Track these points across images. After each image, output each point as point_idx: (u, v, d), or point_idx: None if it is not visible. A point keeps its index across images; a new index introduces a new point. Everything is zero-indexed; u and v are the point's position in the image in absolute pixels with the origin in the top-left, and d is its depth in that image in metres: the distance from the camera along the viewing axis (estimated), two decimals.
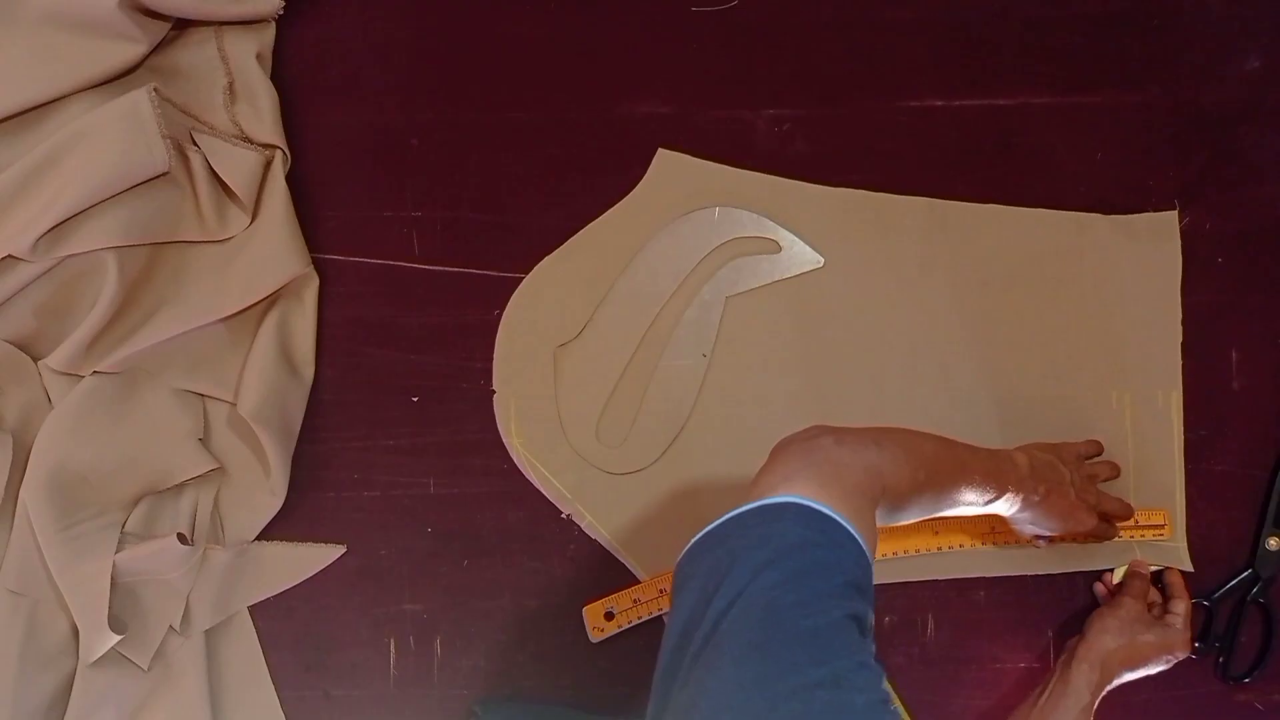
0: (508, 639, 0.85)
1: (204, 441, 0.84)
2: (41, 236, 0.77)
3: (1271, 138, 0.86)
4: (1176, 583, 0.84)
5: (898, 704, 0.50)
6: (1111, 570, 0.85)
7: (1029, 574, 0.85)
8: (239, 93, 0.84)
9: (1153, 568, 0.84)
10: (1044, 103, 0.87)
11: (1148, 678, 0.84)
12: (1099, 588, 0.84)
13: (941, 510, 0.67)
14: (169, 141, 0.78)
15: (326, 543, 0.85)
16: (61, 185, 0.77)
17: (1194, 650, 0.84)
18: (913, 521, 0.66)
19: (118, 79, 0.81)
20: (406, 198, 0.86)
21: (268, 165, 0.83)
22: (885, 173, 0.86)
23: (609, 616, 0.84)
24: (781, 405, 0.85)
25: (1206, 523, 0.85)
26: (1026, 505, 0.73)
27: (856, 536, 0.54)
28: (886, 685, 0.49)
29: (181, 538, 0.79)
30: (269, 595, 0.85)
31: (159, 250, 0.82)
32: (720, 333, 0.85)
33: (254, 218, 0.83)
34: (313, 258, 0.84)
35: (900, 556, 0.84)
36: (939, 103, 0.87)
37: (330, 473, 0.85)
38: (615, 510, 0.85)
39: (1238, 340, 0.86)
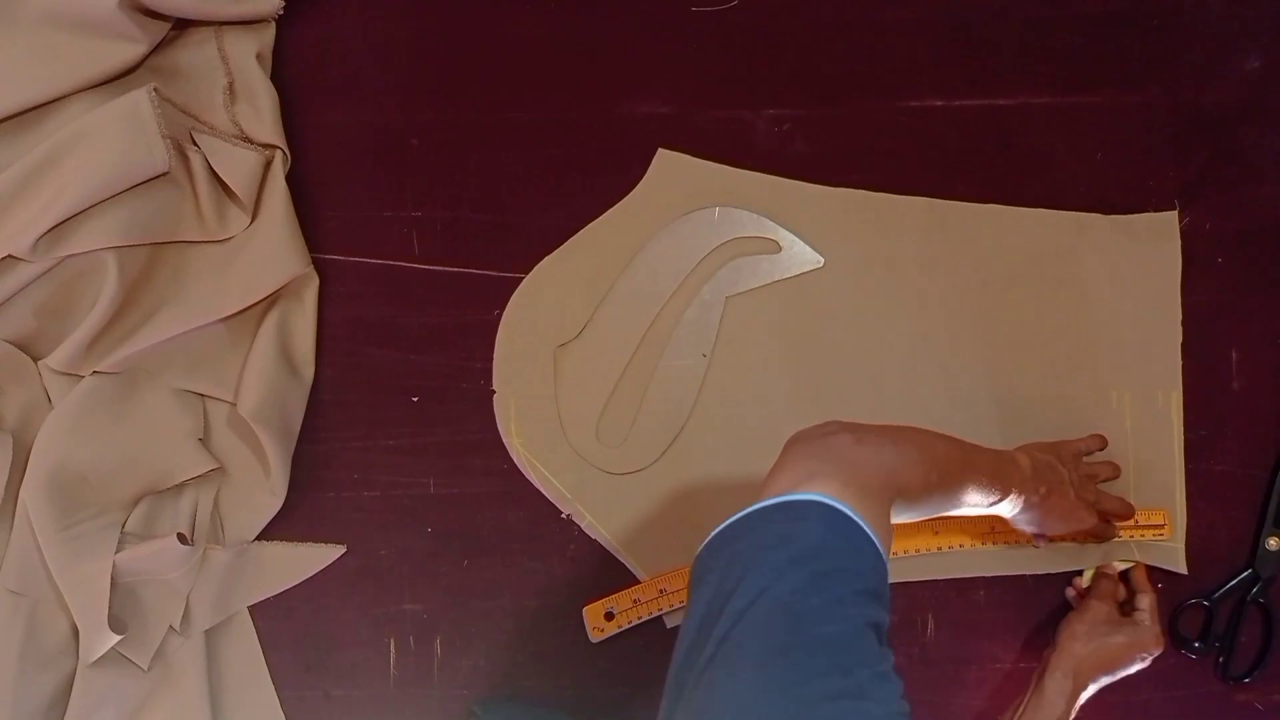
0: (508, 639, 0.85)
1: (204, 441, 0.84)
2: (41, 236, 0.77)
3: (1271, 138, 0.86)
4: (1140, 578, 0.83)
5: None
6: (1081, 573, 0.84)
7: (1029, 574, 0.85)
8: (239, 93, 0.84)
9: (1120, 567, 0.84)
10: (1044, 103, 0.87)
11: (1147, 678, 0.84)
12: (1070, 591, 0.84)
13: (947, 510, 0.67)
14: (169, 141, 0.78)
15: (326, 543, 0.85)
16: (61, 185, 0.77)
17: (1194, 650, 0.85)
18: (914, 521, 0.66)
19: (118, 79, 0.81)
20: (406, 198, 0.86)
21: (268, 165, 0.83)
22: (885, 173, 0.86)
23: (609, 617, 0.84)
24: (781, 405, 0.85)
25: (1206, 523, 0.85)
26: (1028, 506, 0.73)
27: (875, 541, 0.54)
28: (905, 701, 0.49)
29: (181, 538, 0.79)
30: (269, 595, 0.85)
31: (159, 250, 0.82)
32: (720, 333, 0.85)
33: (254, 218, 0.83)
34: (313, 258, 0.84)
35: (900, 556, 0.84)
36: (939, 103, 0.87)
37: (330, 473, 0.85)
38: (615, 510, 0.85)
39: (1238, 340, 0.86)
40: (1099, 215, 0.86)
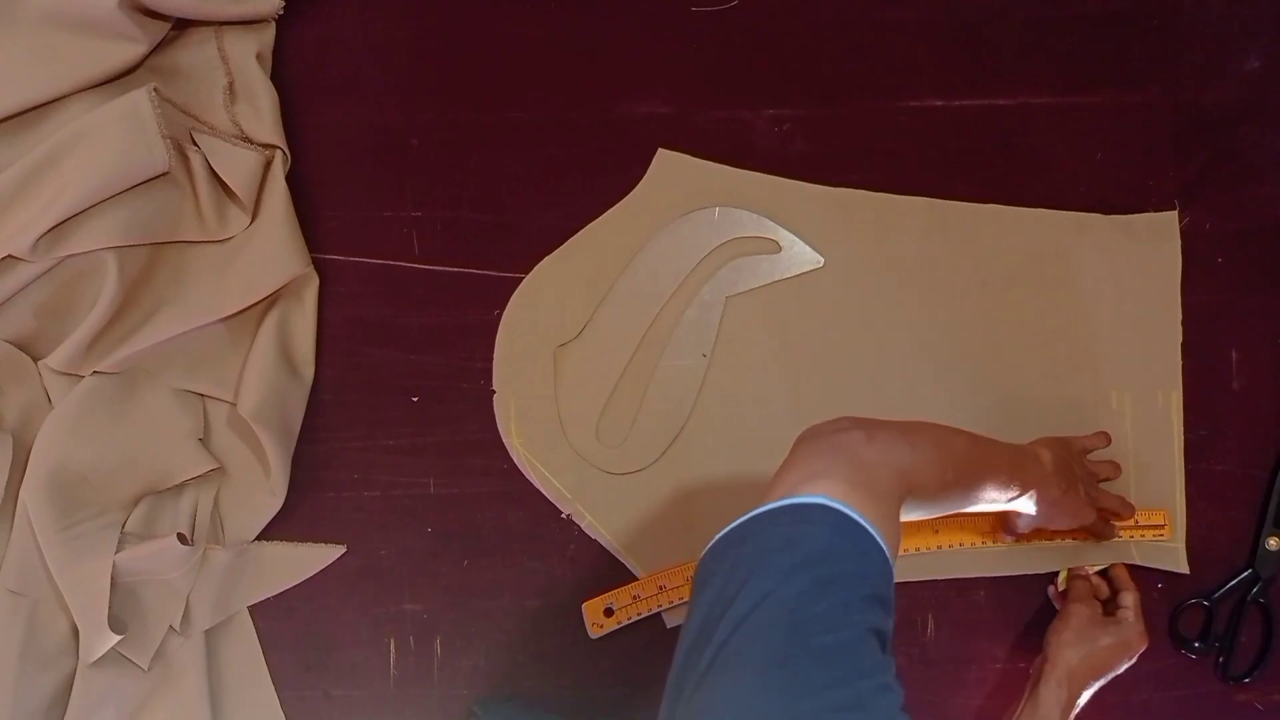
0: (508, 639, 0.85)
1: (204, 441, 0.84)
2: (41, 236, 0.77)
3: (1271, 138, 0.86)
4: (1121, 575, 0.83)
5: None
6: (1057, 574, 0.84)
7: (1029, 574, 0.85)
8: (239, 93, 0.84)
9: (1095, 568, 0.84)
10: (1044, 103, 0.87)
11: (1147, 678, 0.84)
12: (1051, 590, 0.84)
13: (964, 507, 0.66)
14: (169, 141, 0.78)
15: (326, 543, 0.85)
16: (61, 185, 0.77)
17: (1194, 650, 0.84)
18: (926, 518, 0.65)
19: (118, 79, 0.81)
20: (406, 198, 0.86)
21: (268, 165, 0.83)
22: (885, 173, 0.86)
23: (608, 613, 0.84)
24: (781, 405, 0.85)
25: (1206, 523, 0.85)
26: (1043, 502, 0.73)
27: (883, 546, 0.53)
28: (905, 713, 0.48)
29: (181, 538, 0.79)
30: (269, 595, 0.85)
31: (159, 250, 0.82)
32: (720, 333, 0.85)
33: (254, 218, 0.83)
34: (313, 258, 0.84)
35: (900, 556, 0.83)
36: (939, 103, 0.87)
37: (330, 473, 0.85)
38: (615, 510, 0.85)
39: (1238, 340, 0.86)
40: (1099, 215, 0.86)
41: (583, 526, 0.85)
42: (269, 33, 0.85)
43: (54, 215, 0.76)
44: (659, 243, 0.86)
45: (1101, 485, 0.83)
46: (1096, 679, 0.78)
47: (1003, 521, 0.81)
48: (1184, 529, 0.85)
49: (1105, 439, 0.83)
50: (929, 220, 0.86)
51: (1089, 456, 0.82)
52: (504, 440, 0.85)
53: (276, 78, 0.85)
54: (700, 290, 0.86)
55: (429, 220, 0.86)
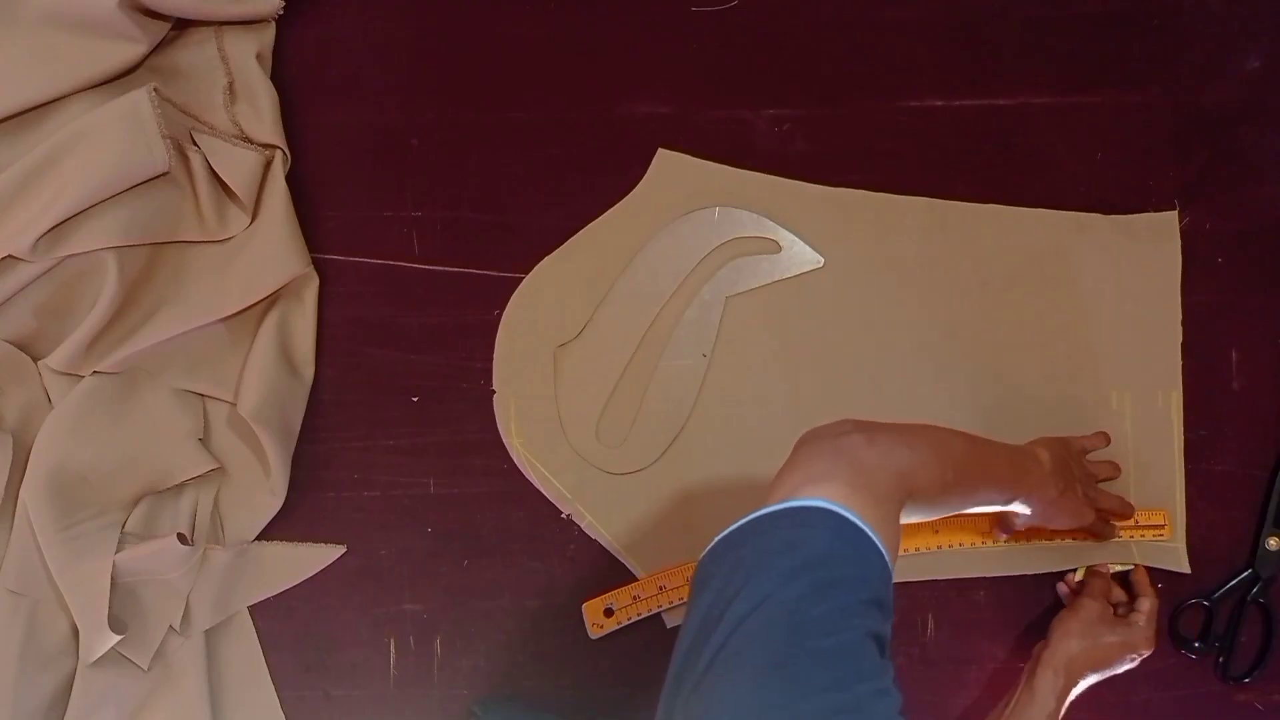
0: (508, 639, 0.85)
1: (204, 441, 0.84)
2: (41, 236, 0.77)
3: (1271, 138, 0.86)
4: (1142, 580, 0.83)
5: None
6: (1074, 570, 0.84)
7: (1029, 574, 0.85)
8: (239, 93, 0.84)
9: (1116, 568, 0.84)
10: (1044, 103, 0.87)
11: (1147, 678, 0.84)
12: (1061, 587, 0.84)
13: (964, 509, 0.66)
14: (169, 141, 0.78)
15: (326, 543, 0.85)
16: (61, 185, 0.77)
17: (1194, 650, 0.84)
18: (925, 520, 0.65)
19: (118, 79, 0.81)
20: (406, 198, 0.86)
21: (268, 165, 0.83)
22: (885, 173, 0.86)
23: (608, 613, 0.84)
24: (781, 405, 0.85)
25: (1206, 523, 0.85)
26: (1041, 502, 0.73)
27: (882, 550, 0.53)
28: (903, 717, 0.48)
29: (181, 538, 0.79)
30: (269, 595, 0.85)
31: (159, 250, 0.82)
32: (720, 333, 0.85)
33: (254, 218, 0.83)
34: (313, 258, 0.84)
35: (900, 556, 0.84)
36: (939, 103, 0.87)
37: (330, 473, 0.85)
38: (615, 510, 0.85)
39: (1238, 340, 0.86)
40: (1099, 215, 0.86)
41: (583, 526, 0.85)
42: (269, 33, 0.85)
43: (54, 215, 0.76)
44: (659, 243, 0.86)
45: (1101, 485, 0.83)
46: (1095, 672, 0.78)
47: (999, 521, 0.81)
48: (1184, 529, 0.85)
49: (1104, 439, 0.83)
50: (929, 220, 0.86)
51: (1088, 457, 0.82)
52: (504, 440, 0.85)
53: (276, 78, 0.85)
54: (700, 290, 0.86)
55: (429, 220, 0.86)
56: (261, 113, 0.83)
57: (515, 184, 0.86)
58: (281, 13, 0.84)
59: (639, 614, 0.84)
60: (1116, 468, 0.84)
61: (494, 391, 0.85)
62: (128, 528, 0.81)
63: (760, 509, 0.54)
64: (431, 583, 0.85)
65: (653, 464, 0.85)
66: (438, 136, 0.86)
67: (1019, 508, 0.72)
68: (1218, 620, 0.85)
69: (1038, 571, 0.85)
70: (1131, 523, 0.83)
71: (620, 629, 0.84)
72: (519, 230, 0.86)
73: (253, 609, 0.85)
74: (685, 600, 0.83)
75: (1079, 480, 0.77)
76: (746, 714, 0.47)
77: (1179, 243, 0.86)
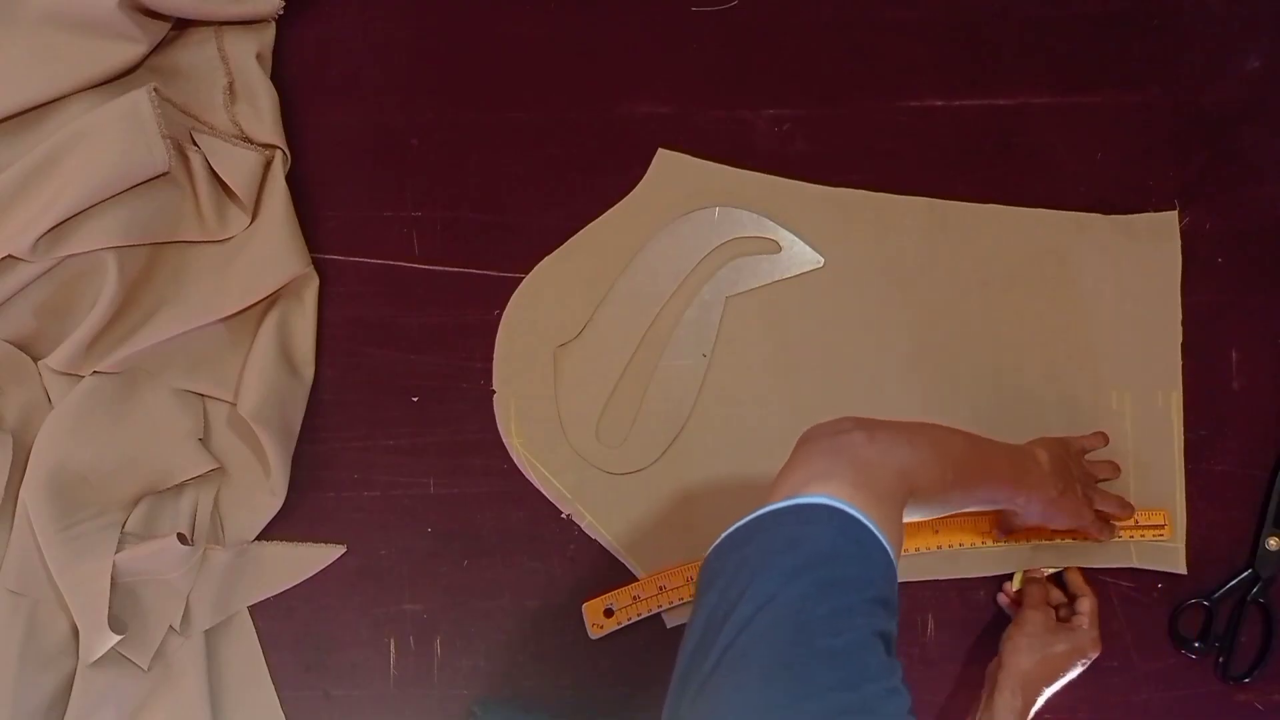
0: (508, 639, 0.85)
1: (204, 441, 0.84)
2: (41, 236, 0.77)
3: (1271, 138, 0.86)
4: (1076, 580, 0.83)
5: None
6: (1009, 578, 0.84)
7: None
8: (239, 93, 0.84)
9: (1049, 571, 0.84)
10: (1044, 103, 0.87)
11: (1147, 678, 0.84)
12: (1002, 598, 0.84)
13: (963, 508, 0.66)
14: (169, 141, 0.78)
15: (326, 543, 0.85)
16: (61, 185, 0.77)
17: (1194, 650, 0.84)
18: (925, 519, 0.65)
19: (118, 79, 0.81)
20: (406, 198, 0.86)
21: (268, 165, 0.83)
22: (885, 173, 0.86)
23: (608, 613, 0.84)
24: (781, 405, 0.85)
25: (1206, 523, 0.85)
26: (1040, 502, 0.73)
27: (887, 547, 0.53)
28: (912, 716, 0.48)
29: (181, 538, 0.79)
30: (269, 595, 0.85)
31: (159, 250, 0.82)
32: (720, 333, 0.85)
33: (254, 218, 0.83)
34: (313, 258, 0.84)
35: (900, 556, 0.84)
36: (939, 103, 0.87)
37: (330, 473, 0.85)
38: (615, 510, 0.85)
39: (1238, 340, 0.86)
40: (1099, 215, 0.86)
41: (583, 526, 0.85)
42: (269, 33, 0.85)
43: (54, 215, 0.76)
44: (659, 243, 0.86)
45: (1101, 485, 0.83)
46: (1050, 684, 0.77)
47: (999, 521, 0.81)
48: (1184, 529, 0.85)
49: (1103, 439, 0.83)
50: (929, 220, 0.86)
51: (1087, 457, 0.82)
52: (504, 440, 0.85)
53: (276, 78, 0.85)
54: (700, 290, 0.86)
55: (429, 220, 0.86)
56: (261, 113, 0.83)
57: (515, 184, 0.86)
58: (281, 13, 0.84)
59: (639, 614, 0.84)
60: (1116, 468, 0.84)
61: (494, 391, 0.85)
62: (128, 528, 0.81)
63: (764, 507, 0.54)
64: (431, 583, 0.85)
65: (653, 464, 0.85)
66: (438, 136, 0.86)
67: (1018, 507, 0.72)
68: (1218, 620, 0.85)
69: (1035, 572, 0.85)
70: (1131, 523, 0.83)
71: (620, 629, 0.84)
72: (519, 230, 0.86)
73: (253, 609, 0.85)
74: (685, 600, 0.83)
75: (1078, 480, 0.77)
76: (754, 715, 0.47)
77: (1179, 243, 0.86)
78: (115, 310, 0.79)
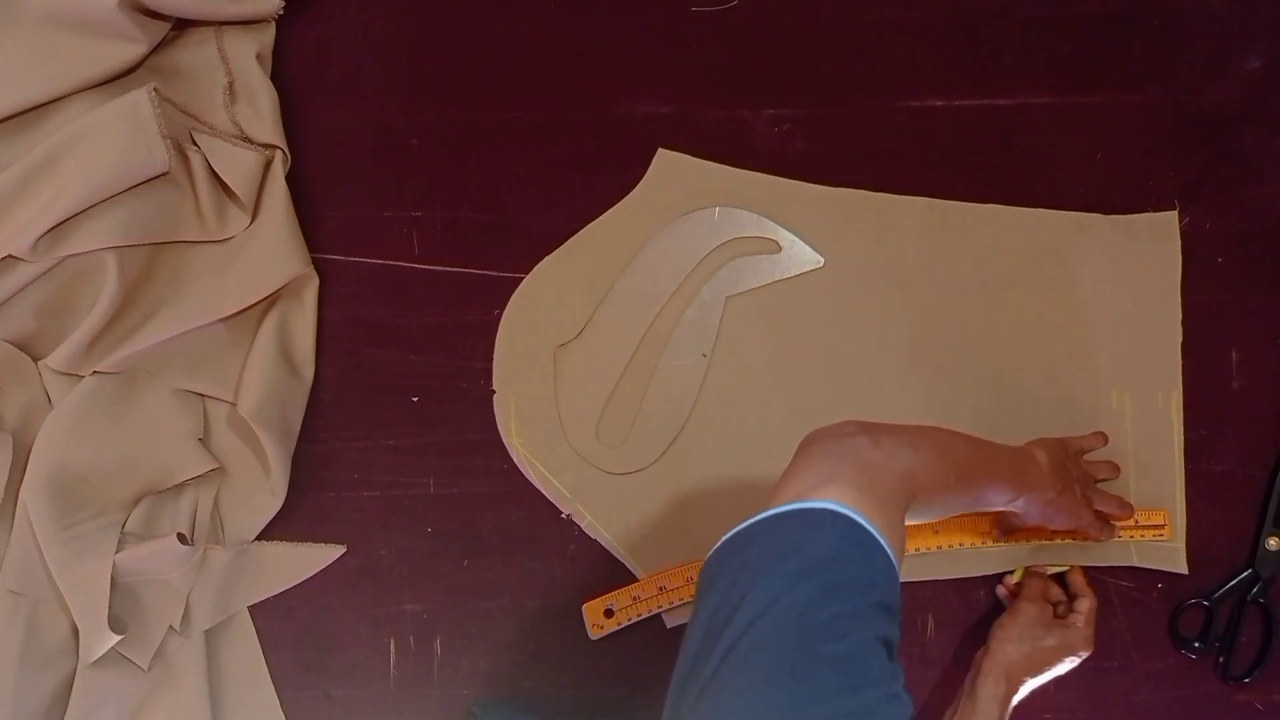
0: (508, 639, 0.85)
1: (204, 441, 0.84)
2: (41, 236, 0.77)
3: (1271, 138, 0.86)
4: (1078, 581, 0.82)
5: None
6: (1011, 572, 0.84)
7: None
8: (239, 93, 0.84)
9: (1053, 570, 0.84)
10: (1044, 103, 0.87)
11: (1147, 678, 0.84)
12: (1000, 590, 0.84)
13: (963, 510, 0.66)
14: (169, 141, 0.78)
15: (326, 543, 0.85)
16: (61, 185, 0.77)
17: (1194, 650, 0.84)
18: (925, 521, 0.65)
19: (118, 79, 0.81)
20: (406, 198, 0.86)
21: (268, 165, 0.83)
22: (885, 173, 0.86)
23: (609, 614, 0.84)
24: (781, 405, 0.85)
25: (1206, 523, 0.85)
26: (1039, 502, 0.73)
27: (889, 552, 0.53)
28: None
29: (181, 538, 0.79)
30: (269, 595, 0.85)
31: (159, 250, 0.82)
32: (720, 333, 0.85)
33: (254, 218, 0.83)
34: (313, 258, 0.84)
35: (902, 560, 0.84)
36: (939, 103, 0.87)
37: (330, 473, 0.85)
38: (615, 510, 0.85)
39: (1238, 340, 0.86)
40: (1099, 215, 0.86)
41: (583, 526, 0.85)
42: (269, 33, 0.85)
43: (54, 215, 0.76)
44: (659, 243, 0.86)
45: (1101, 486, 0.83)
46: (1035, 676, 0.77)
47: (999, 521, 0.81)
48: (1184, 529, 0.85)
49: (1102, 439, 0.83)
50: (929, 220, 0.86)
51: (1086, 457, 0.82)
52: (504, 440, 0.85)
53: (276, 78, 0.85)
54: (700, 290, 0.86)
55: (429, 220, 0.86)
56: (261, 113, 0.83)
57: (515, 184, 0.86)
58: (281, 13, 0.84)
59: (639, 614, 0.84)
60: (1115, 468, 0.84)
61: (494, 391, 0.85)
62: (128, 528, 0.81)
63: (766, 510, 0.54)
64: (431, 583, 0.85)
65: (653, 464, 0.85)
66: (438, 136, 0.86)
67: (1017, 508, 0.72)
68: (1218, 620, 0.85)
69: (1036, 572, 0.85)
70: (1132, 523, 0.83)
71: (620, 629, 0.84)
72: (519, 230, 0.86)
73: (253, 609, 0.85)
74: (686, 601, 0.83)
75: (1076, 481, 0.77)
76: (755, 718, 0.46)
77: (1179, 243, 0.86)
78: (115, 310, 0.79)
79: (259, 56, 0.84)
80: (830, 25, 0.87)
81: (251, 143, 0.83)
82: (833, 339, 0.86)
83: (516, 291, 0.86)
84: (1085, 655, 0.79)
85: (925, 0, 0.87)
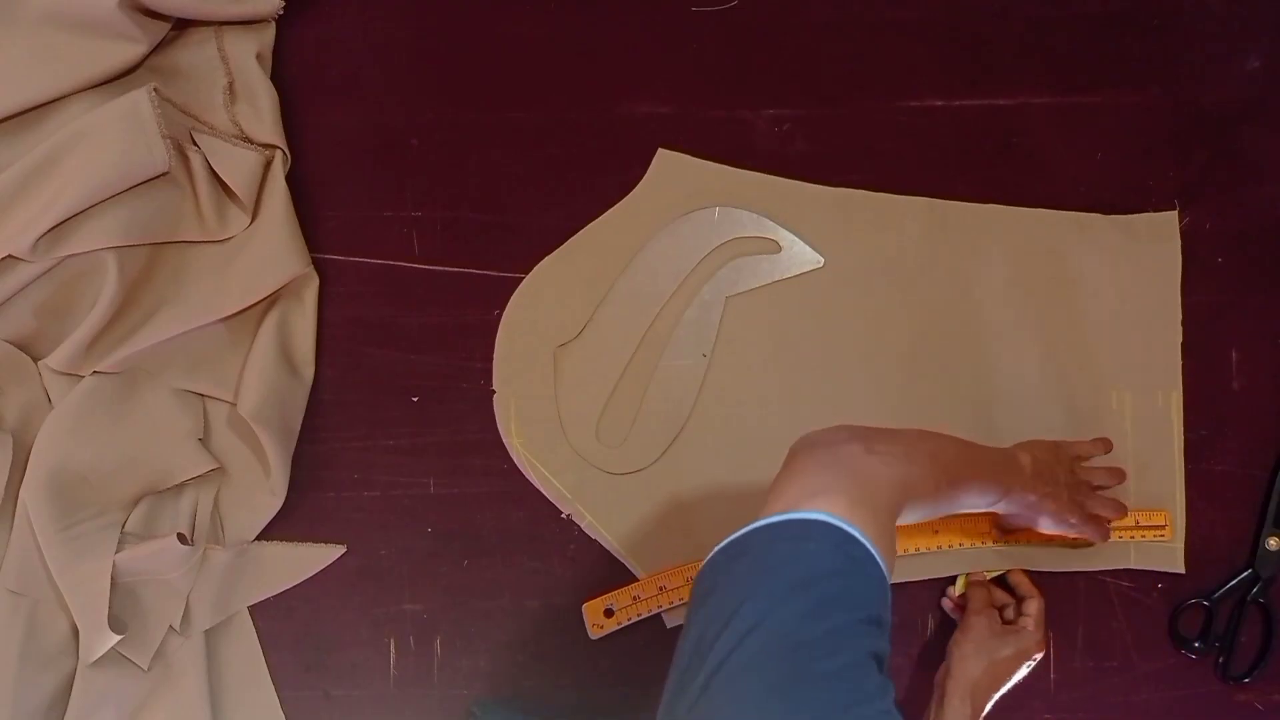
0: (508, 639, 0.85)
1: (204, 441, 0.84)
2: (41, 236, 0.77)
3: (1271, 138, 0.86)
4: (1022, 582, 0.82)
5: None
6: (954, 582, 0.84)
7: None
8: (239, 93, 0.84)
9: (992, 574, 0.83)
10: (1044, 103, 0.87)
11: (1147, 678, 0.84)
12: (946, 603, 0.84)
13: (948, 512, 0.67)
14: (169, 141, 0.78)
15: (326, 543, 0.85)
16: (61, 185, 0.77)
17: (1194, 650, 0.84)
18: (913, 523, 0.65)
19: (118, 79, 0.81)
20: (406, 198, 0.86)
21: (268, 165, 0.83)
22: (885, 173, 0.86)
23: (609, 613, 0.84)
24: (781, 405, 0.85)
25: (1206, 523, 0.85)
26: (1023, 505, 0.73)
27: (882, 564, 0.52)
28: None
29: (181, 538, 0.79)
30: (269, 595, 0.85)
31: (159, 250, 0.82)
32: (720, 333, 0.85)
33: (254, 218, 0.83)
34: (313, 258, 0.84)
35: (900, 556, 0.84)
36: (939, 103, 0.87)
37: (330, 473, 0.85)
38: (615, 510, 0.85)
39: (1238, 340, 0.86)
40: (1099, 215, 0.86)
41: (583, 526, 0.85)
42: (269, 33, 0.85)
43: (54, 215, 0.76)
44: (659, 243, 0.86)
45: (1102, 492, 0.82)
46: (998, 690, 0.77)
47: (997, 521, 0.81)
48: (1184, 529, 0.85)
49: (1104, 446, 0.82)
50: (929, 220, 0.86)
51: (1089, 463, 0.82)
52: (504, 440, 0.85)
53: (276, 78, 0.85)
54: (700, 290, 0.86)
55: (429, 220, 0.86)
56: (261, 113, 0.83)
57: (515, 184, 0.86)
58: (281, 13, 0.84)
59: (639, 614, 0.84)
60: (1119, 474, 0.82)
61: (494, 391, 0.85)
62: (128, 528, 0.81)
63: (760, 519, 0.54)
64: (431, 583, 0.85)
65: (653, 464, 0.85)
66: (438, 136, 0.86)
67: (1000, 509, 0.73)
68: (1218, 620, 0.85)
69: (1039, 569, 0.85)
70: (1132, 523, 0.83)
71: (620, 629, 0.84)
72: (519, 230, 0.86)
73: (253, 609, 0.85)
74: (686, 600, 0.83)
75: (1065, 486, 0.77)
76: None
77: (1179, 243, 0.86)
78: (115, 310, 0.79)
79: (259, 56, 0.84)
80: (830, 25, 0.87)
81: (251, 143, 0.83)
82: (833, 339, 0.86)
83: (516, 291, 0.86)
84: (1039, 657, 0.78)
85: (925, 0, 0.87)
